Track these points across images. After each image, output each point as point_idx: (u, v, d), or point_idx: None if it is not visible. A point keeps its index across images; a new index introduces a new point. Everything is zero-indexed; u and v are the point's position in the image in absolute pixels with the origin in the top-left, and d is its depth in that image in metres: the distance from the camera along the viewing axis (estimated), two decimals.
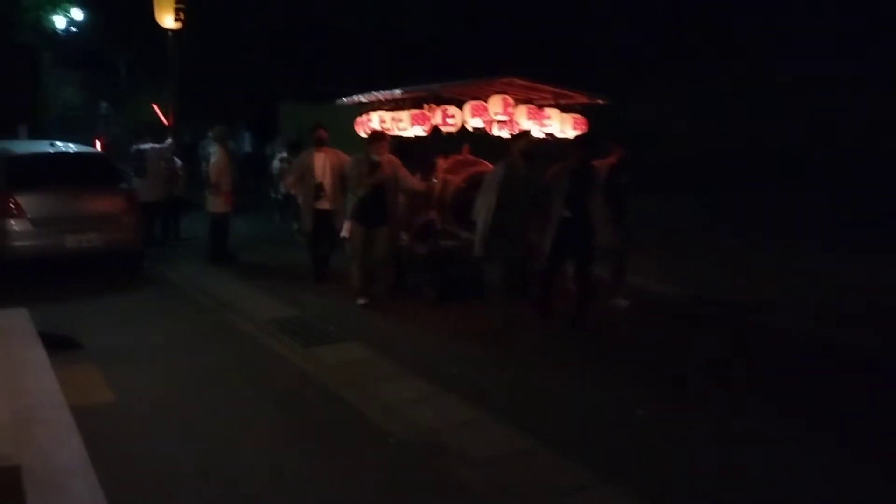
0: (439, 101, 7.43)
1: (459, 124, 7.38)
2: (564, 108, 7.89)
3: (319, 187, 8.32)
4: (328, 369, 5.85)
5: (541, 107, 7.82)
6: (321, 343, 6.42)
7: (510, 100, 7.41)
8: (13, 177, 8.48)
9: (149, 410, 5.02)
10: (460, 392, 5.24)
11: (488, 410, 4.92)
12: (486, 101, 7.34)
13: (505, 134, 7.54)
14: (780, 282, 8.54)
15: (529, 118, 7.61)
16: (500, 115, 7.36)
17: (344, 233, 7.76)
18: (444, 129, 7.38)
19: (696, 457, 4.37)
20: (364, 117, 8.53)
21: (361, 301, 7.56)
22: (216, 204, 9.64)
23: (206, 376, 5.76)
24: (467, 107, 7.32)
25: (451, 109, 7.30)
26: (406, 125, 7.53)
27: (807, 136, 15.78)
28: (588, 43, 18.56)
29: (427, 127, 7.39)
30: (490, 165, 7.64)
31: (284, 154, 12.14)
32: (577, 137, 7.61)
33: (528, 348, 6.49)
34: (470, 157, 8.32)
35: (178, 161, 11.17)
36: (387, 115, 7.96)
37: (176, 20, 10.90)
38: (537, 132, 7.68)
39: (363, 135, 8.32)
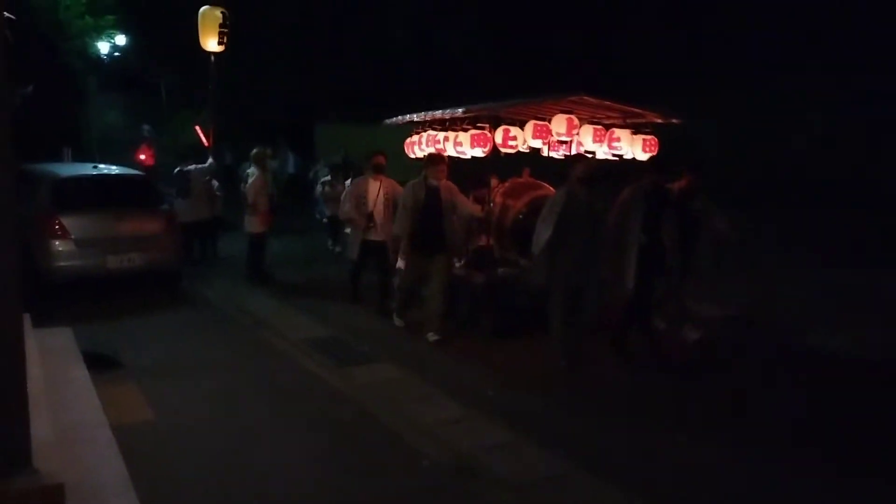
0: (498, 120, 7.03)
1: (521, 145, 7.05)
2: (635, 129, 7.47)
3: (370, 217, 7.96)
4: (362, 389, 5.88)
5: (609, 127, 7.40)
6: (356, 363, 6.46)
7: (575, 120, 6.98)
8: (58, 198, 8.71)
9: (187, 429, 5.08)
10: (496, 414, 5.22)
11: (523, 433, 4.89)
12: (549, 121, 6.99)
13: (558, 155, 7.27)
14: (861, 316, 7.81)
15: (595, 140, 7.21)
16: (563, 136, 6.99)
17: (399, 264, 7.52)
18: (504, 150, 7.01)
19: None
20: (416, 138, 8.08)
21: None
22: (253, 224, 9.79)
23: (243, 395, 5.82)
24: (528, 127, 6.95)
25: (514, 130, 6.92)
26: (466, 147, 6.99)
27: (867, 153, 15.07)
28: (634, 56, 18.34)
29: (487, 148, 6.91)
30: (552, 190, 7.27)
31: (328, 177, 12.44)
32: (651, 158, 7.11)
33: (592, 392, 5.89)
34: (531, 180, 7.89)
35: (215, 182, 11.38)
36: (442, 135, 7.42)
37: (220, 43, 11.14)
38: (604, 154, 7.34)
39: (413, 156, 8.10)
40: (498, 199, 7.67)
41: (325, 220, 12.75)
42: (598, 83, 8.68)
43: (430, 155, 7.25)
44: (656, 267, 6.29)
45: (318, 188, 12.78)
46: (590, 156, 7.26)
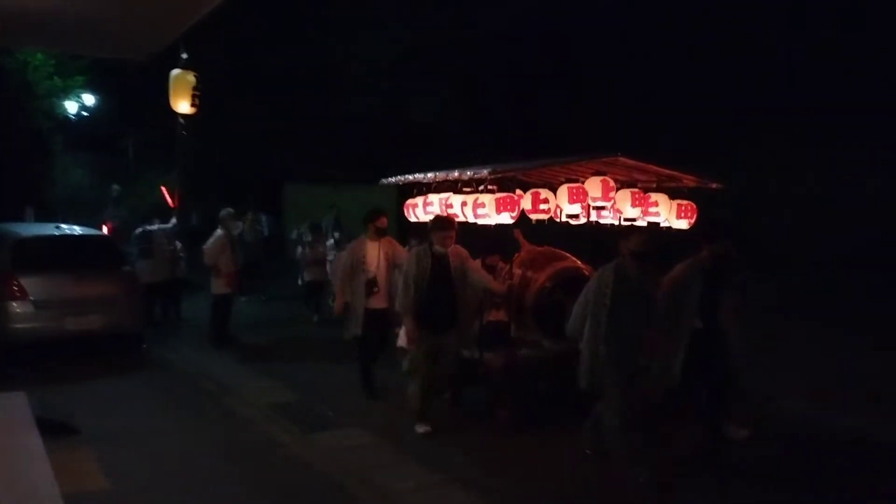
0: (521, 184, 6.44)
1: (553, 211, 6.32)
2: (671, 194, 6.80)
3: (373, 283, 7.06)
4: (327, 456, 5.74)
5: (646, 191, 6.72)
6: (322, 429, 6.32)
7: (611, 182, 6.34)
8: (17, 259, 8.53)
9: (144, 499, 4.89)
10: (463, 482, 5.11)
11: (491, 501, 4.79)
12: (582, 184, 6.35)
13: (606, 222, 6.69)
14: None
15: (635, 204, 6.56)
16: (599, 201, 6.32)
17: (401, 342, 6.61)
18: (534, 216, 6.26)
19: None
20: (417, 200, 7.21)
21: (422, 429, 6.09)
22: (217, 285, 9.67)
23: (204, 463, 5.63)
24: (563, 190, 6.23)
25: (544, 193, 6.20)
26: (490, 210, 6.05)
27: None
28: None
29: (516, 214, 6.06)
30: (576, 261, 6.80)
31: (309, 237, 11.81)
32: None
33: None
34: (552, 249, 7.12)
35: (178, 243, 11.28)
36: (458, 199, 6.48)
37: (192, 105, 11.19)
38: (641, 221, 6.68)
39: (414, 220, 7.39)
40: (516, 271, 6.77)
41: (301, 283, 12.03)
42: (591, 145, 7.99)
43: (437, 218, 6.37)
44: (704, 357, 5.37)
45: (299, 250, 12.08)
46: (640, 225, 6.57)
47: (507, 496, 5.00)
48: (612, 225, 6.70)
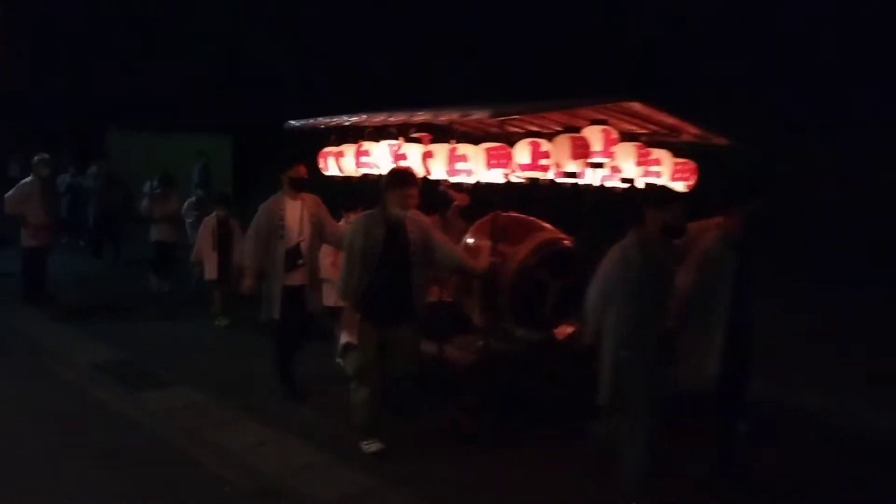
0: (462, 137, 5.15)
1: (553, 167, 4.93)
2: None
3: (296, 251, 5.64)
4: (157, 416, 5.52)
5: (648, 145, 5.54)
6: (150, 388, 6.04)
7: (614, 134, 5.07)
8: None
9: None
10: (304, 436, 5.08)
11: (334, 454, 4.80)
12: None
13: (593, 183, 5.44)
14: None
15: (639, 162, 5.40)
16: (599, 157, 5.01)
17: (345, 338, 5.23)
18: (535, 175, 4.84)
19: None
20: (343, 149, 5.88)
21: (372, 447, 4.76)
22: (25, 237, 8.86)
23: (21, 428, 5.25)
24: (563, 142, 4.82)
25: (545, 145, 4.81)
26: (475, 165, 4.80)
27: None
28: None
29: (510, 171, 4.89)
30: (556, 230, 5.64)
31: (157, 189, 10.00)
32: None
33: None
34: (523, 216, 5.77)
35: None
36: (417, 148, 5.10)
37: None
38: (639, 182, 5.54)
39: (334, 174, 6.05)
40: (479, 243, 5.58)
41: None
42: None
43: (396, 171, 4.85)
44: (745, 347, 4.45)
45: (143, 203, 9.92)
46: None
47: None
48: (630, 188, 5.44)
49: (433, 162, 4.99)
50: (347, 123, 5.74)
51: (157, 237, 9.83)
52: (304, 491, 4.31)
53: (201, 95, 18.70)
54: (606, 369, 4.15)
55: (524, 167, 4.82)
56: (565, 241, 5.57)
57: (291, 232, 5.64)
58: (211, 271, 8.26)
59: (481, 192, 5.25)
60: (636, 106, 5.26)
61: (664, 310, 4.22)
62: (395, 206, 4.65)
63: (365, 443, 4.79)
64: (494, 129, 6.04)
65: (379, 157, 5.51)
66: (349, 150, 5.84)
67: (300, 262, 5.65)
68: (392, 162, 5.31)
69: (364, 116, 5.62)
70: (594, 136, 4.98)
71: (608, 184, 5.52)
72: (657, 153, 5.53)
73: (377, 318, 4.70)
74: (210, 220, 8.33)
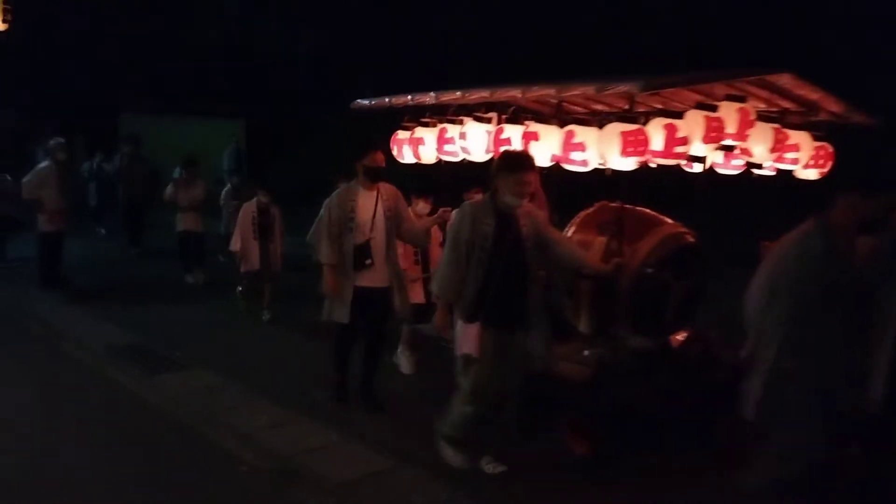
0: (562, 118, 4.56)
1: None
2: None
3: (364, 249, 5.04)
4: (173, 398, 5.56)
5: (786, 127, 4.75)
6: (166, 370, 6.08)
7: (751, 113, 4.39)
8: None
9: None
10: (320, 418, 5.08)
11: (349, 434, 4.80)
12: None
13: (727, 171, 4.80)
14: None
15: (775, 148, 4.64)
16: (731, 140, 4.33)
17: (467, 349, 4.13)
18: (668, 163, 4.28)
19: None
20: (422, 134, 5.34)
21: (459, 460, 4.23)
22: (41, 222, 8.88)
23: (40, 409, 5.30)
24: (697, 120, 4.16)
25: (684, 127, 4.15)
26: (607, 149, 4.10)
27: None
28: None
29: (644, 159, 4.13)
30: (678, 224, 4.88)
31: (183, 174, 9.46)
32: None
33: None
34: (636, 208, 4.87)
35: (7, 178, 10.24)
36: (515, 128, 4.58)
37: (3, 21, 9.99)
38: (768, 171, 4.86)
39: (410, 162, 5.57)
40: (586, 238, 4.95)
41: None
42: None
43: (509, 155, 4.25)
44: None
45: (168, 190, 9.44)
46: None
47: None
48: (749, 175, 4.74)
49: (538, 147, 4.37)
50: (431, 102, 5.08)
51: (182, 227, 9.34)
52: (320, 471, 4.32)
53: (213, 79, 18.67)
54: (761, 379, 3.48)
55: (657, 154, 4.13)
56: (689, 237, 4.85)
57: (363, 226, 5.04)
58: (252, 262, 7.61)
59: (553, 179, 4.70)
60: (784, 79, 4.47)
61: (853, 317, 3.39)
62: (508, 194, 4.01)
63: (454, 453, 4.23)
64: (547, 110, 5.17)
65: (473, 142, 4.87)
66: (429, 135, 5.28)
67: (368, 261, 5.03)
68: (490, 147, 4.77)
69: (453, 93, 4.92)
70: (730, 115, 4.29)
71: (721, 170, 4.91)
72: (796, 136, 4.76)
73: (498, 324, 4.08)
74: (250, 207, 7.66)
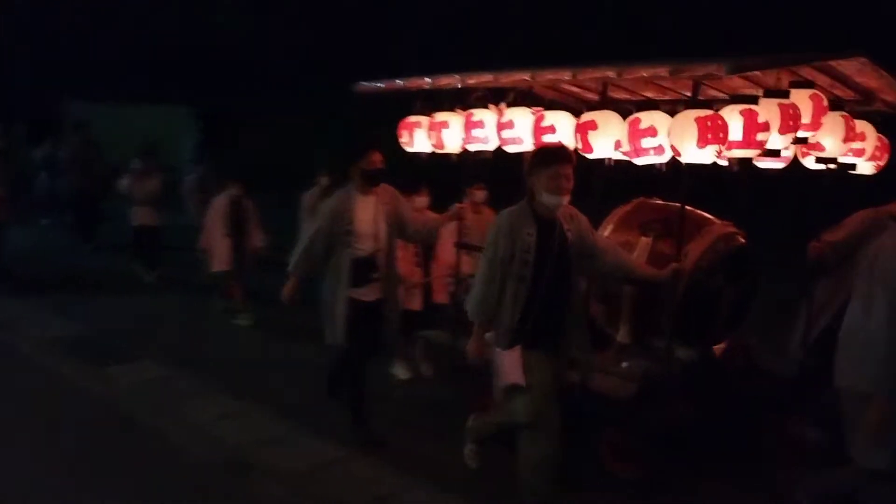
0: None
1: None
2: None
3: (369, 264, 4.45)
4: (122, 390, 5.44)
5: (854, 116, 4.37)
6: (115, 362, 5.93)
7: (823, 100, 4.01)
8: None
9: None
10: (274, 408, 5.03)
11: (303, 425, 4.76)
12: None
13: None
14: None
15: (847, 138, 4.27)
16: (806, 131, 3.98)
17: (513, 378, 3.58)
18: (747, 155, 3.80)
19: None
20: (448, 118, 4.81)
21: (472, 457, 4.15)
22: None
23: None
24: (772, 110, 3.72)
25: (763, 113, 3.69)
26: (682, 139, 3.61)
27: None
28: None
29: (720, 149, 3.65)
30: (728, 224, 4.51)
31: (139, 165, 8.96)
32: None
33: None
34: (684, 207, 4.16)
35: None
36: (561, 115, 4.19)
37: None
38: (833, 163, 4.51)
39: (422, 152, 5.06)
40: (627, 239, 4.48)
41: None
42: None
43: (542, 149, 3.80)
44: None
45: (123, 183, 8.97)
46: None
47: None
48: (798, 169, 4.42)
49: (597, 136, 3.95)
50: (460, 86, 4.53)
51: (138, 221, 8.85)
52: (272, 462, 4.28)
53: (163, 65, 18.25)
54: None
55: (736, 144, 3.68)
56: (740, 237, 4.50)
57: (363, 238, 4.42)
58: (221, 261, 7.11)
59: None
60: (852, 64, 4.04)
61: None
62: (547, 193, 3.52)
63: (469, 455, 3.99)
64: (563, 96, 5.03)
65: (521, 129, 4.34)
66: (455, 120, 4.76)
67: (375, 275, 4.45)
68: (531, 138, 4.30)
69: (483, 75, 4.45)
70: (803, 102, 3.91)
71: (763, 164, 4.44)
72: (861, 126, 4.41)
73: (547, 345, 3.61)
74: (221, 202, 7.18)
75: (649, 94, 4.87)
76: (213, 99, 18.05)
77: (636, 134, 3.83)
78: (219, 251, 7.11)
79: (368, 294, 4.47)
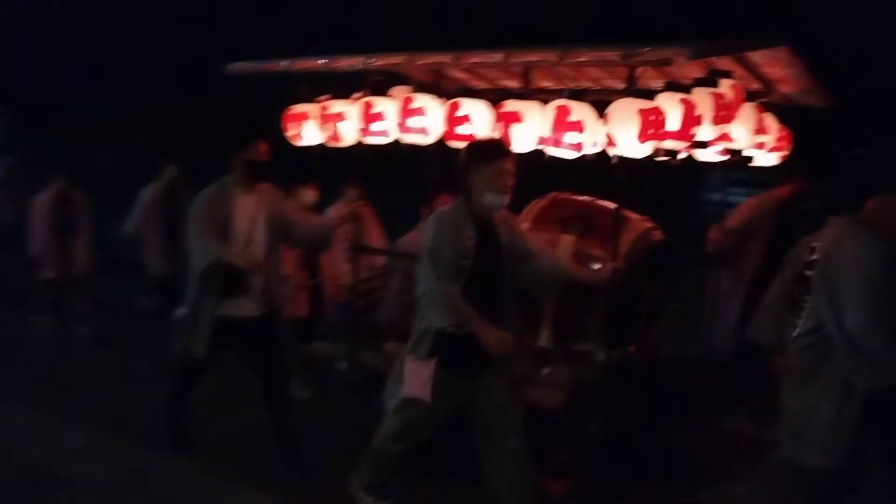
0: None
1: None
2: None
3: (236, 272, 3.80)
4: None
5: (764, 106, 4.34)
6: None
7: (742, 91, 3.91)
8: None
9: None
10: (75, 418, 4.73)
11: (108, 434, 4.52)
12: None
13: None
14: None
15: (757, 130, 4.21)
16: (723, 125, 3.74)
17: (416, 392, 3.26)
18: (678, 148, 3.50)
19: None
20: (345, 107, 4.29)
21: None
22: None
23: None
24: (704, 101, 3.54)
25: (695, 101, 3.51)
26: (626, 132, 3.29)
27: None
28: None
29: (654, 146, 3.43)
30: (636, 216, 4.24)
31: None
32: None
33: None
34: (591, 200, 4.30)
35: None
36: (482, 107, 3.75)
37: None
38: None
39: (306, 143, 4.50)
40: (548, 237, 4.09)
41: None
42: None
43: (478, 143, 3.42)
44: None
45: None
46: None
47: None
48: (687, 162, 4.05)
49: (521, 129, 3.58)
50: (361, 67, 3.97)
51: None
52: (73, 475, 4.06)
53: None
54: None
55: (671, 136, 3.39)
56: (657, 233, 4.27)
57: (237, 240, 3.84)
58: (48, 268, 6.32)
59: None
60: (772, 54, 3.93)
61: None
62: (487, 191, 3.19)
63: (374, 500, 3.56)
64: (476, 83, 4.67)
65: (432, 119, 3.86)
66: (350, 109, 4.25)
67: (246, 286, 3.83)
68: (446, 126, 3.81)
69: (400, 56, 3.90)
70: (727, 93, 3.72)
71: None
72: (764, 117, 4.35)
73: (462, 366, 3.25)
74: (43, 199, 6.32)
75: (580, 84, 4.47)
76: (27, 77, 16.47)
77: (561, 125, 3.47)
78: (46, 257, 6.34)
79: (243, 308, 3.88)
